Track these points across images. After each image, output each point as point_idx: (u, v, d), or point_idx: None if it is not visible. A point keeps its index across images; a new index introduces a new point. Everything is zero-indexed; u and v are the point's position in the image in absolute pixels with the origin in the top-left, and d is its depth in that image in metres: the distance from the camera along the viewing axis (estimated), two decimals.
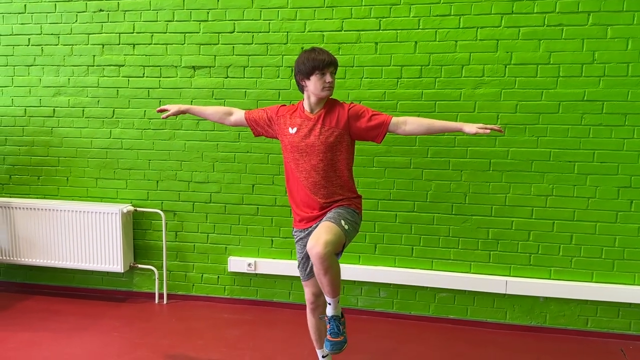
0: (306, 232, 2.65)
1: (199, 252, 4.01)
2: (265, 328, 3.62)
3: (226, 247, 3.96)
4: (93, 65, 3.95)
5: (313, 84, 2.58)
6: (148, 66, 3.88)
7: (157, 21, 3.81)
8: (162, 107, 2.95)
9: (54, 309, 3.89)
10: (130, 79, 3.92)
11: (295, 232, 2.73)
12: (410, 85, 3.51)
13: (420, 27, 3.46)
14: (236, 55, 3.74)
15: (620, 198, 3.35)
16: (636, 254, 3.37)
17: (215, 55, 3.77)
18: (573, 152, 3.38)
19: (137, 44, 3.87)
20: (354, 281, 3.76)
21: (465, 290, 3.63)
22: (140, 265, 4.05)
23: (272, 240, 3.87)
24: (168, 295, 4.05)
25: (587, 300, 3.47)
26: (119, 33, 3.88)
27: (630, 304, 3.41)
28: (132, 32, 3.86)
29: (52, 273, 4.21)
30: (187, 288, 4.07)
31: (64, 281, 4.21)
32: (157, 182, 3.99)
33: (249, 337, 3.49)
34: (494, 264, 3.57)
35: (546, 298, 3.53)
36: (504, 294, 3.57)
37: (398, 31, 3.49)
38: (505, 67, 3.39)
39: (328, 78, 2.56)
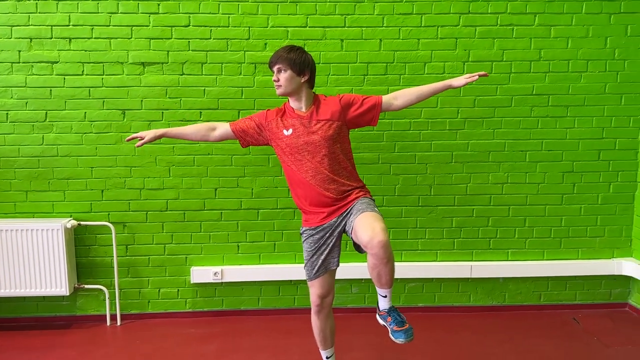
0: (320, 228, 2.58)
1: (154, 266, 3.68)
2: (241, 339, 3.43)
3: (186, 257, 3.69)
4: (19, 62, 3.43)
5: None
6: (88, 63, 3.47)
7: (98, 13, 3.42)
8: (134, 135, 2.69)
9: None
10: (66, 77, 3.47)
11: (305, 230, 2.64)
12: (376, 82, 3.56)
13: (385, 25, 3.53)
14: (192, 50, 3.50)
15: (565, 182, 3.72)
16: (579, 231, 3.76)
17: (168, 51, 3.49)
18: (524, 142, 3.67)
19: (73, 38, 3.44)
20: None
21: (433, 278, 3.78)
22: (86, 286, 3.62)
23: (239, 246, 3.69)
24: (121, 315, 3.67)
25: (539, 277, 3.80)
26: (51, 25, 3.42)
27: (576, 276, 3.80)
28: (68, 25, 3.42)
29: None
30: (142, 306, 3.71)
31: None
32: (102, 191, 3.59)
33: (230, 350, 3.29)
34: (458, 251, 3.76)
35: (505, 278, 3.80)
36: (468, 278, 3.78)
37: (363, 28, 3.52)
38: (464, 64, 3.58)
39: (274, 76, 2.58)
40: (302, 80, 2.55)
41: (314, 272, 2.63)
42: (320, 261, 2.61)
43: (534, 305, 3.83)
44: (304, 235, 2.65)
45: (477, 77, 2.62)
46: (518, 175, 3.70)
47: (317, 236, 2.59)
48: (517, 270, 3.76)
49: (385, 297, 2.49)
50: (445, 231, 3.74)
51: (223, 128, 2.70)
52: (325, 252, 2.59)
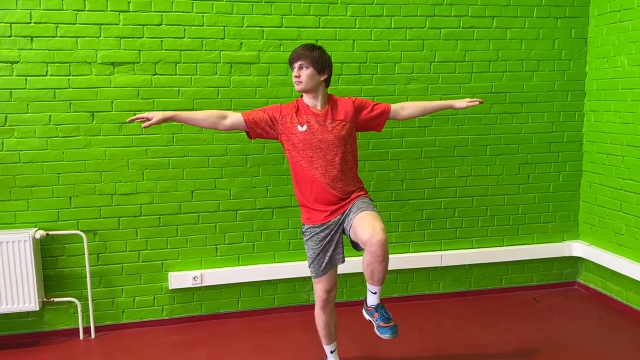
0: (325, 227, 2.63)
1: (128, 274, 3.54)
2: (229, 342, 3.40)
3: (162, 263, 3.58)
4: None
5: None
6: (53, 63, 3.27)
7: (62, 10, 3.24)
8: (141, 115, 2.57)
9: None
10: (28, 78, 3.25)
11: (308, 228, 2.67)
12: (350, 82, 3.66)
13: (357, 26, 3.63)
14: (165, 50, 3.40)
15: (521, 173, 4.02)
16: (534, 218, 4.08)
17: (139, 50, 3.37)
18: (485, 137, 3.93)
19: (36, 37, 3.22)
20: (304, 277, 3.76)
21: (405, 269, 3.94)
22: (56, 299, 3.41)
23: (217, 249, 3.64)
24: (95, 328, 3.50)
25: (500, 262, 4.08)
26: (10, 23, 3.18)
27: (532, 260, 4.11)
28: (29, 22, 3.20)
29: None
30: (116, 316, 3.56)
31: None
32: (71, 198, 3.39)
33: (221, 353, 3.24)
34: (429, 242, 3.95)
35: (470, 265, 4.04)
36: (438, 267, 3.98)
37: (337, 29, 3.60)
38: (431, 64, 3.77)
39: (295, 72, 2.61)
40: (322, 79, 2.60)
41: (322, 269, 2.67)
42: (327, 258, 2.66)
43: (496, 289, 4.11)
44: (307, 233, 2.68)
45: (477, 102, 2.86)
46: (480, 168, 3.95)
47: (322, 234, 2.64)
48: (480, 256, 4.01)
49: (375, 293, 2.58)
50: (417, 223, 3.91)
51: (235, 117, 2.66)
52: (331, 249, 2.65)
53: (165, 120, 2.58)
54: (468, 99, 2.87)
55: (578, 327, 3.51)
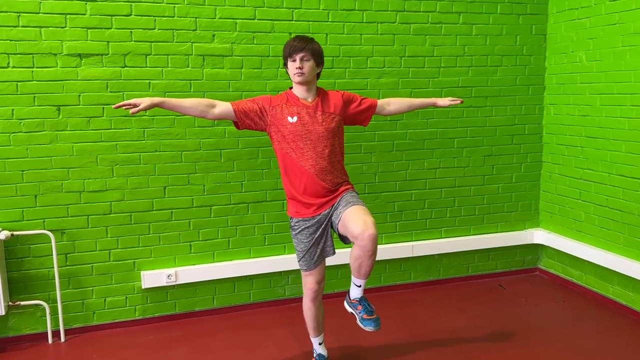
0: (315, 220, 2.63)
1: (98, 274, 3.42)
2: (208, 339, 3.34)
3: (134, 262, 3.47)
4: None
5: (289, 71, 2.63)
6: (15, 54, 3.09)
7: None
8: (128, 100, 2.47)
9: None
10: None
11: (297, 221, 2.67)
12: (324, 75, 3.63)
13: (330, 20, 3.64)
14: (135, 41, 3.29)
15: (486, 165, 4.16)
16: (498, 207, 4.24)
17: (108, 41, 3.24)
18: (453, 130, 4.04)
19: None
20: (280, 272, 3.75)
21: (378, 260, 3.97)
22: (22, 303, 3.24)
23: (191, 245, 3.56)
24: (65, 331, 3.35)
25: (467, 251, 4.21)
26: None
27: (496, 248, 4.27)
28: None
29: None
30: (86, 318, 3.43)
31: None
32: (36, 196, 3.23)
33: (202, 351, 3.19)
34: (400, 233, 4.03)
35: (439, 254, 4.15)
36: (409, 258, 4.06)
37: (310, 23, 3.60)
38: (401, 58, 3.83)
39: (297, 64, 2.58)
40: (318, 71, 2.62)
41: (314, 262, 2.68)
42: (318, 251, 2.68)
43: (463, 277, 4.24)
44: (297, 226, 2.67)
45: (459, 101, 3.00)
46: (448, 160, 4.06)
47: (312, 228, 2.64)
48: (449, 246, 4.13)
49: (360, 286, 2.62)
50: (389, 215, 3.98)
51: (224, 106, 2.61)
52: (322, 242, 2.67)
53: (154, 105, 2.50)
54: (450, 98, 2.99)
55: (544, 310, 3.69)
